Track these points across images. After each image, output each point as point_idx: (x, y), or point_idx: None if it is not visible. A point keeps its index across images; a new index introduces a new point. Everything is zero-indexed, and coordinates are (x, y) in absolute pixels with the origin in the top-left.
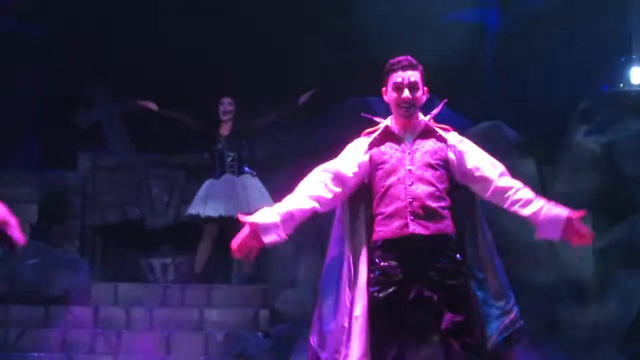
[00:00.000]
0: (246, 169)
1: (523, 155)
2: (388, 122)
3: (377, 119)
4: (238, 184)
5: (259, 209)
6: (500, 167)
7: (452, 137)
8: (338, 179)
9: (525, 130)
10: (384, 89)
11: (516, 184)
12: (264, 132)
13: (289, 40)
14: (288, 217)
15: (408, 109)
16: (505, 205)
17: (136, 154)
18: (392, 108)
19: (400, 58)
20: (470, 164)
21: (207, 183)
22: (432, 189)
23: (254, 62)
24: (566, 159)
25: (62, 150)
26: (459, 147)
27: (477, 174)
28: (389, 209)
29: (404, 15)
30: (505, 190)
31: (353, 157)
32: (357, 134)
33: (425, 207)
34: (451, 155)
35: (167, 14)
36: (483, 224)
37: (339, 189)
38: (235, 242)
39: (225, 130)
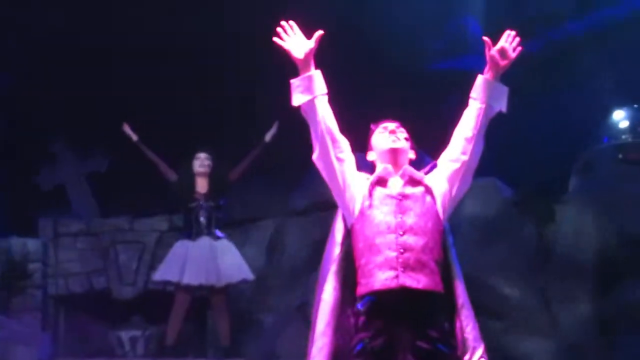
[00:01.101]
0: (218, 232)
1: (521, 214)
2: (379, 168)
3: (367, 174)
4: (217, 250)
5: (238, 280)
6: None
7: (432, 181)
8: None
9: (522, 186)
10: (367, 152)
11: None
12: (239, 192)
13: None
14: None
15: (396, 142)
16: (473, 129)
17: (102, 219)
18: (380, 152)
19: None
20: (448, 175)
21: (179, 245)
22: (424, 240)
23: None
24: (567, 217)
25: (22, 215)
26: (440, 178)
27: (454, 168)
28: (377, 260)
29: (386, 65)
30: (462, 140)
31: (360, 182)
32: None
33: (417, 260)
34: (439, 191)
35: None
36: (455, 262)
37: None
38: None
39: (202, 187)
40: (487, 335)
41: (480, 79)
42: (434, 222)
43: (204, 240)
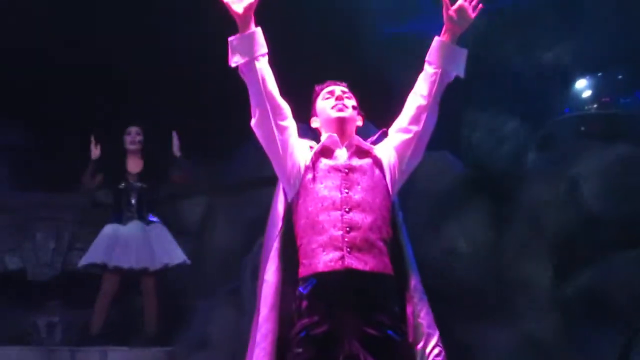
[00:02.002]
0: (151, 216)
1: (474, 192)
2: (324, 137)
3: (312, 142)
4: (151, 235)
5: (173, 264)
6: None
7: (382, 152)
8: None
9: (475, 161)
10: (312, 118)
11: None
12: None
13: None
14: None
15: (343, 106)
16: (427, 97)
17: (17, 194)
18: (325, 119)
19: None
20: (398, 145)
21: (109, 228)
22: (372, 217)
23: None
24: (525, 195)
25: None
26: (386, 153)
27: (405, 139)
28: (321, 239)
29: (332, 26)
30: (415, 109)
31: (303, 150)
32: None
33: (364, 239)
34: (388, 163)
35: None
36: (407, 243)
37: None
38: None
39: (134, 166)
40: (438, 322)
41: (436, 41)
42: (382, 197)
43: (135, 224)
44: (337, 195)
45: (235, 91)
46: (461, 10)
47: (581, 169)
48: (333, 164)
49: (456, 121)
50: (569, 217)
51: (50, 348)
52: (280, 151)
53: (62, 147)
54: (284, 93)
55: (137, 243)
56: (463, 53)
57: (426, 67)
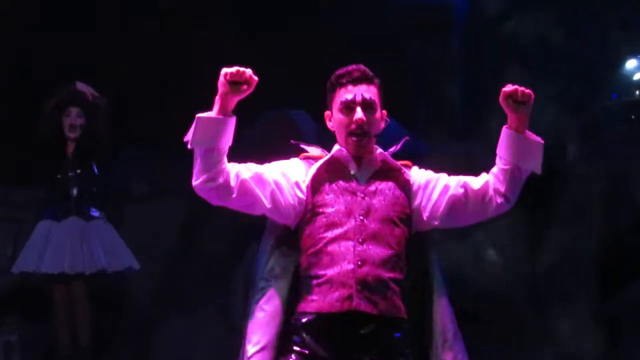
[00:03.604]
0: (93, 211)
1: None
2: (335, 149)
3: (313, 148)
4: (90, 233)
5: (112, 270)
6: (459, 178)
7: (416, 174)
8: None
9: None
10: (327, 112)
11: (483, 178)
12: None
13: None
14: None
15: (361, 136)
16: (493, 206)
17: None
18: (340, 136)
19: (351, 68)
20: (437, 202)
21: (42, 226)
22: (388, 252)
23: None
24: (564, 194)
25: None
26: (424, 185)
27: (445, 206)
28: (329, 273)
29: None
30: (480, 194)
31: (294, 175)
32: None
33: (377, 277)
34: (416, 202)
35: None
36: (439, 281)
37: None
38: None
39: (70, 151)
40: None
41: (503, 132)
42: (402, 229)
43: (73, 221)
44: (350, 222)
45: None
46: (509, 98)
47: (630, 162)
48: (347, 185)
49: (486, 109)
50: (617, 219)
51: None
52: (288, 210)
53: (18, 134)
54: (291, 75)
55: (71, 242)
56: (538, 146)
57: (497, 160)
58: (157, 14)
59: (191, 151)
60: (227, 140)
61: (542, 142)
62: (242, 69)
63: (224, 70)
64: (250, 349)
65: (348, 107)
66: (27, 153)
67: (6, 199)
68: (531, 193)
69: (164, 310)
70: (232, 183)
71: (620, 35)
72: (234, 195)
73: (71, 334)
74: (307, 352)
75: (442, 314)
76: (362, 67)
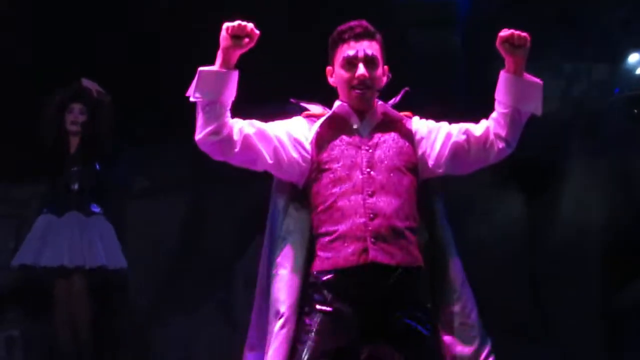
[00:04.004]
0: (94, 206)
1: (506, 185)
2: (336, 105)
3: (314, 106)
4: (90, 229)
5: (111, 268)
6: (460, 126)
7: (418, 124)
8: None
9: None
10: (329, 68)
11: (484, 124)
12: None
13: None
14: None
15: (364, 90)
16: (494, 151)
17: None
18: (342, 91)
19: (353, 23)
20: (440, 150)
21: (42, 220)
22: (399, 201)
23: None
24: (566, 189)
25: None
26: (426, 135)
27: (449, 153)
28: (341, 228)
29: None
30: (481, 140)
31: (297, 133)
32: None
33: (391, 227)
34: (420, 151)
35: None
36: (446, 231)
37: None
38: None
39: (75, 147)
40: None
41: (501, 75)
42: (411, 178)
43: (73, 216)
44: (357, 175)
45: None
46: (505, 42)
47: (633, 158)
48: (350, 139)
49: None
50: (620, 215)
51: None
52: (293, 168)
53: (19, 131)
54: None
55: (71, 237)
56: (537, 87)
57: (496, 105)
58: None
59: (195, 147)
60: (230, 93)
61: (541, 83)
62: (243, 22)
63: (226, 24)
64: (281, 307)
65: (350, 63)
66: (28, 150)
67: (6, 196)
68: (533, 188)
69: (165, 308)
70: (236, 137)
71: (622, 30)
72: (236, 150)
73: (71, 329)
74: (330, 309)
75: (450, 262)
76: (364, 22)
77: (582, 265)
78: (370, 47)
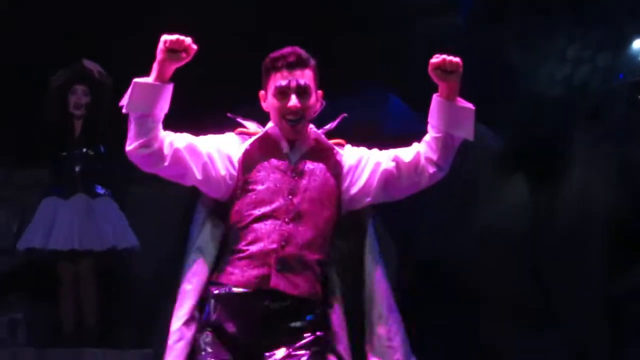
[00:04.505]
0: (99, 188)
1: (511, 171)
2: (268, 127)
3: (249, 123)
4: (96, 210)
5: (122, 247)
6: (389, 152)
7: (348, 154)
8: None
9: (513, 136)
10: (261, 92)
11: (414, 149)
12: None
13: None
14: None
15: (296, 122)
16: (426, 176)
17: None
18: (274, 119)
19: (286, 51)
20: (369, 180)
21: (48, 203)
22: (314, 233)
23: None
24: (570, 175)
25: None
26: (355, 164)
27: (378, 182)
28: (251, 249)
29: None
30: (412, 166)
31: (227, 149)
32: None
33: (299, 258)
34: (345, 184)
35: None
36: (374, 252)
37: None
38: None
39: (76, 129)
40: (462, 327)
41: (433, 100)
42: (331, 211)
43: (80, 198)
44: (279, 200)
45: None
46: (437, 69)
47: (636, 143)
48: (278, 164)
49: (491, 88)
50: (622, 203)
51: (13, 349)
52: (219, 183)
53: (22, 114)
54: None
55: (80, 219)
56: (469, 112)
57: (428, 129)
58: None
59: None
60: (163, 107)
61: (473, 108)
62: (182, 37)
63: (164, 37)
64: (175, 322)
65: (283, 93)
66: (30, 133)
67: (9, 180)
68: (536, 176)
69: (169, 292)
70: (166, 151)
71: (626, 16)
72: (165, 164)
73: (75, 312)
74: (216, 325)
75: (377, 286)
76: (297, 49)
77: (586, 251)
78: (303, 77)
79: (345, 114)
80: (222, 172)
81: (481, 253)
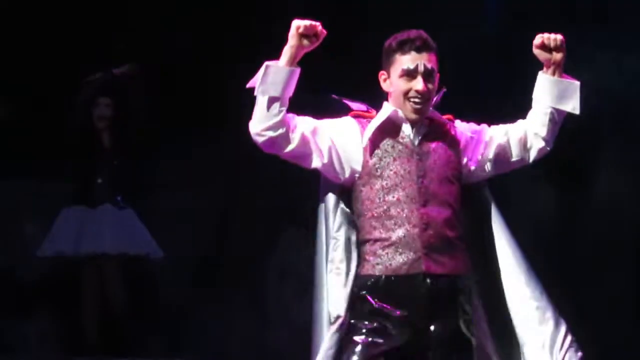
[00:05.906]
0: (124, 200)
1: (539, 182)
2: (389, 110)
3: (358, 105)
4: (125, 218)
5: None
6: (501, 128)
7: (461, 128)
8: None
9: None
10: (381, 72)
11: (522, 124)
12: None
13: None
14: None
15: (421, 104)
16: (534, 150)
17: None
18: (396, 100)
19: (412, 34)
20: (485, 154)
21: (73, 212)
22: (449, 211)
23: None
24: (601, 185)
25: None
26: (470, 140)
27: (493, 157)
28: (393, 236)
29: None
30: (522, 141)
31: (348, 134)
32: None
33: (442, 237)
34: (465, 157)
35: None
36: (503, 231)
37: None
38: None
39: (104, 141)
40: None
41: (539, 77)
42: (457, 187)
43: (106, 208)
44: (411, 185)
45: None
46: (539, 49)
47: None
48: (402, 147)
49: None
50: None
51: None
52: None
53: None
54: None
55: (110, 226)
56: (574, 87)
57: (534, 104)
58: None
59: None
60: (291, 90)
61: (579, 82)
62: (313, 22)
63: (296, 22)
64: (337, 310)
65: (410, 75)
66: (59, 145)
67: (40, 190)
68: (566, 181)
69: (197, 299)
70: (292, 134)
71: None
72: (291, 145)
73: (100, 318)
74: (378, 315)
75: (510, 249)
76: (423, 34)
77: (616, 258)
78: (429, 61)
79: (445, 89)
80: (345, 157)
81: None
